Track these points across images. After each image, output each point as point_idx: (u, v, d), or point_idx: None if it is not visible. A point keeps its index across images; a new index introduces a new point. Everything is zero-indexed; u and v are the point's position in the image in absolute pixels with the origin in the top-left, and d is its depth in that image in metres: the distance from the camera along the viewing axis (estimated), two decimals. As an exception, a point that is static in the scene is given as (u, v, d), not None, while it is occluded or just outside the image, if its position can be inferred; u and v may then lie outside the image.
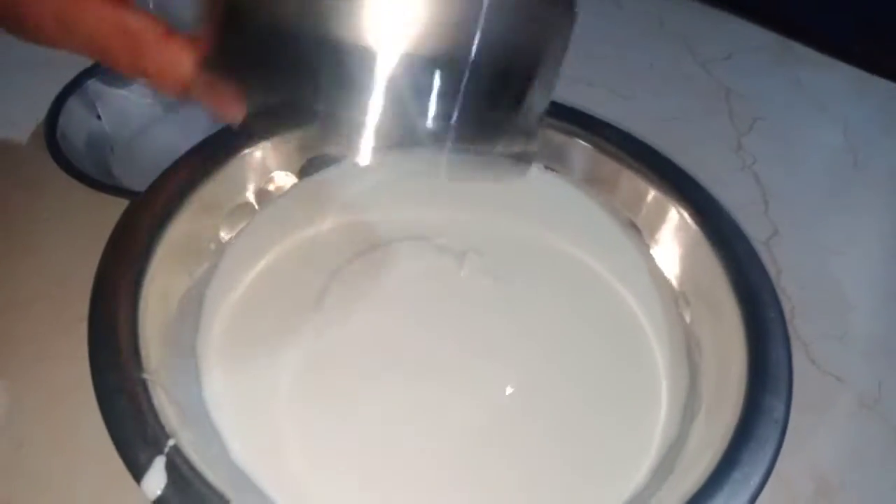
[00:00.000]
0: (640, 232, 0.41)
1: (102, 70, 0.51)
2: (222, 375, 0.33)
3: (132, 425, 0.27)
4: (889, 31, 0.63)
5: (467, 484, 0.31)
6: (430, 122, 0.22)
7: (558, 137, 0.42)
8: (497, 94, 0.23)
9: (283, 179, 0.41)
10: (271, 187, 0.41)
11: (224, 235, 0.38)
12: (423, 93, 0.22)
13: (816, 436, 0.39)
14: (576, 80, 0.60)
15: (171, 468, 0.26)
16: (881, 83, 0.63)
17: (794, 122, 0.59)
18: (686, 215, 0.38)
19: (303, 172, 0.41)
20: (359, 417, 0.33)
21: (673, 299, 0.39)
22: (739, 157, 0.55)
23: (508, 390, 0.35)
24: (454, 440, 0.33)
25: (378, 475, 0.31)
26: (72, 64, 0.50)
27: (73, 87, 0.49)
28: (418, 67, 0.21)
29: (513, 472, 0.32)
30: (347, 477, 0.31)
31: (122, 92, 0.50)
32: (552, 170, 0.43)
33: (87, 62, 0.50)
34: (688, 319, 0.38)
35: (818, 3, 0.65)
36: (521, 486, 0.32)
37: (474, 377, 0.35)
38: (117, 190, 0.42)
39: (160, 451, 0.27)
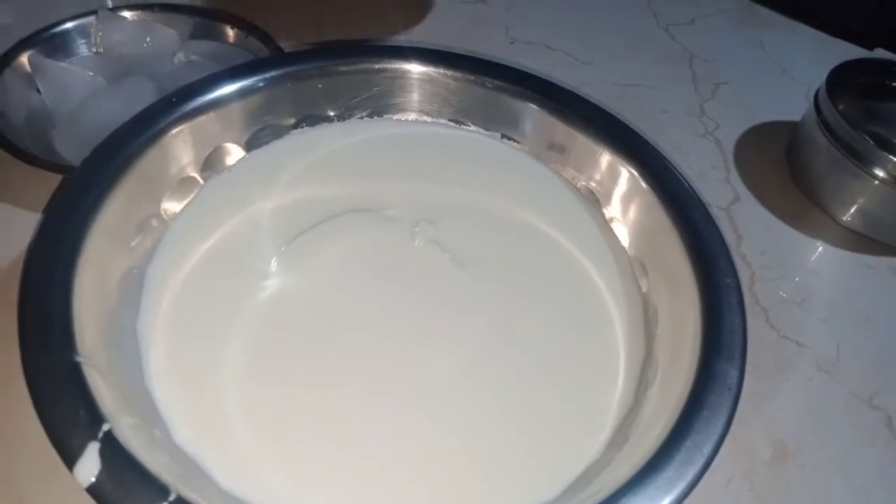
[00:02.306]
0: (597, 200, 0.40)
1: (40, 41, 0.48)
2: (165, 357, 0.32)
3: (63, 410, 0.26)
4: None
5: (419, 458, 0.31)
6: None
7: (513, 103, 0.41)
8: None
9: (230, 152, 0.39)
10: (217, 161, 0.39)
11: (167, 211, 0.37)
12: None
13: (775, 400, 0.39)
14: (534, 43, 0.59)
15: (106, 454, 0.25)
16: (843, 45, 0.62)
17: (757, 86, 0.58)
18: (642, 182, 0.37)
19: (249, 145, 0.40)
20: (307, 397, 0.32)
21: (630, 267, 0.38)
22: (702, 123, 0.54)
23: (463, 361, 0.34)
24: (407, 416, 0.32)
25: (326, 456, 0.30)
26: (6, 34, 0.48)
27: (9, 59, 0.47)
28: None
29: (467, 443, 0.32)
30: (295, 458, 0.30)
31: (63, 64, 0.48)
32: (507, 137, 0.42)
33: (23, 32, 0.48)
34: (644, 288, 0.37)
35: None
36: (478, 457, 0.31)
37: (428, 349, 0.34)
38: (57, 166, 0.41)
39: (94, 437, 0.26)
